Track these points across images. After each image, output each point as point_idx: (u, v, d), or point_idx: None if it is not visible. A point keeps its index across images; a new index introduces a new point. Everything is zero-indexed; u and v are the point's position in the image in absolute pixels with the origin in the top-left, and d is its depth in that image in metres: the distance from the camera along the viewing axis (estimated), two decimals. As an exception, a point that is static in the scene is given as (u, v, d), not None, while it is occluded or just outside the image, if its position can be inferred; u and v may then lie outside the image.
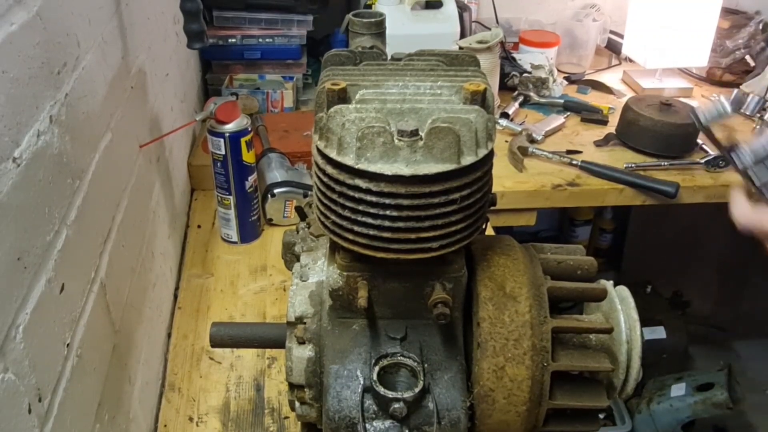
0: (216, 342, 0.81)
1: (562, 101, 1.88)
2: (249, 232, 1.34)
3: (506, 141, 1.68)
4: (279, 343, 0.76)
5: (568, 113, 1.84)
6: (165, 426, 0.98)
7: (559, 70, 2.04)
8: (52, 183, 0.64)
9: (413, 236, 0.60)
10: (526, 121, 1.80)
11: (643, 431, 2.03)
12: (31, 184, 0.60)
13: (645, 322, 0.70)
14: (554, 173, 1.58)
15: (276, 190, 1.36)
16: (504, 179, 1.54)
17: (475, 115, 0.59)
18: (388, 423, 0.64)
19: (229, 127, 1.23)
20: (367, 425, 0.64)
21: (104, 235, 0.81)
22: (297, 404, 0.74)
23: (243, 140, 1.25)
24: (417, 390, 0.64)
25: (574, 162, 1.59)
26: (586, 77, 2.07)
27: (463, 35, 1.86)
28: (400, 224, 0.60)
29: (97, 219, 0.79)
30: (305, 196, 1.33)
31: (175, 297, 1.23)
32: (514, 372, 0.65)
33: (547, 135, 1.73)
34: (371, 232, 0.60)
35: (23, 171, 0.58)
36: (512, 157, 1.61)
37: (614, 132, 1.72)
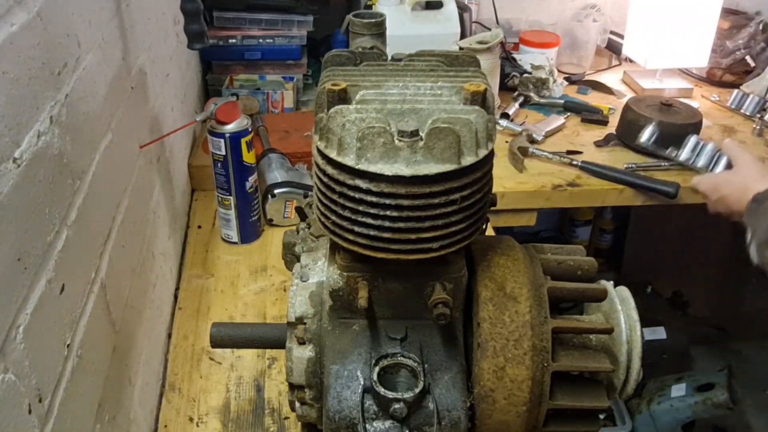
0: (216, 342, 0.81)
1: (562, 102, 1.88)
2: (249, 232, 1.34)
3: (506, 141, 1.68)
4: (279, 344, 0.76)
5: (569, 114, 1.84)
6: (165, 426, 0.98)
7: (559, 71, 2.04)
8: (52, 183, 0.64)
9: (413, 236, 0.60)
10: (527, 122, 1.80)
11: (644, 431, 2.03)
12: (32, 184, 0.60)
13: (645, 322, 0.70)
14: (554, 174, 1.58)
15: (276, 191, 1.36)
16: (504, 180, 1.54)
17: (475, 116, 0.60)
18: (388, 423, 0.64)
19: (230, 127, 1.23)
20: (367, 425, 0.64)
21: (104, 236, 0.82)
22: (297, 405, 0.74)
23: (243, 141, 1.25)
24: (417, 390, 0.64)
25: (575, 162, 1.59)
26: (587, 78, 2.07)
27: (463, 36, 1.86)
28: (401, 224, 0.60)
29: (98, 219, 0.79)
30: (305, 196, 1.33)
31: (176, 297, 1.23)
32: (514, 372, 0.65)
33: (548, 135, 1.73)
34: (371, 232, 0.61)
35: (23, 171, 0.58)
36: (512, 157, 1.61)
37: (614, 132, 1.72)
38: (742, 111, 1.87)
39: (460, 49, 1.72)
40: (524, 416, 0.67)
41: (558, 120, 1.79)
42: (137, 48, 1.07)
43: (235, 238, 1.34)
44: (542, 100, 1.88)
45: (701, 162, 1.38)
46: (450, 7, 1.87)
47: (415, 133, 0.58)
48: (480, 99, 0.61)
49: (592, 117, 1.82)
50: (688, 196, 1.56)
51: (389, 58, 0.76)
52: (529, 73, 1.93)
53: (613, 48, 2.20)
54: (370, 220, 0.60)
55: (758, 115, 1.82)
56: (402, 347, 0.68)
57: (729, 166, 1.26)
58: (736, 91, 1.92)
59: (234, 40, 1.84)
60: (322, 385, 0.69)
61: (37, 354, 0.58)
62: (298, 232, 0.86)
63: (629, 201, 1.57)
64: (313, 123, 0.63)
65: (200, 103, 1.78)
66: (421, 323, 0.69)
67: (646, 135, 1.52)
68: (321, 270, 0.73)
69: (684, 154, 1.39)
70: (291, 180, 1.37)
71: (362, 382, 0.66)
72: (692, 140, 1.39)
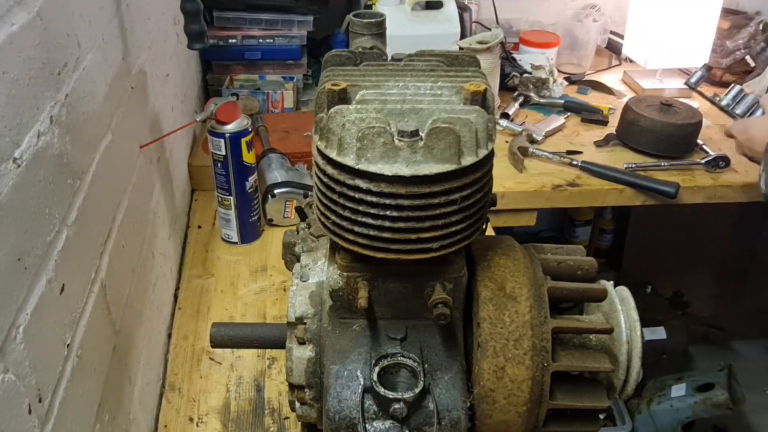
0: (216, 342, 0.81)
1: (562, 102, 1.88)
2: (249, 232, 1.34)
3: (506, 141, 1.68)
4: (279, 344, 0.76)
5: (569, 114, 1.84)
6: (165, 426, 0.98)
7: (559, 71, 2.04)
8: (52, 183, 0.65)
9: (413, 236, 0.60)
10: (527, 122, 1.80)
11: (644, 431, 2.03)
12: (32, 184, 0.60)
13: (645, 322, 0.70)
14: (554, 174, 1.58)
15: (276, 191, 1.36)
16: (504, 180, 1.54)
17: (475, 116, 0.60)
18: (388, 423, 0.64)
19: (230, 127, 1.23)
20: (367, 425, 0.64)
21: (104, 236, 0.82)
22: (297, 405, 0.74)
23: (243, 141, 1.25)
24: (417, 390, 0.64)
25: (575, 162, 1.59)
26: (587, 78, 2.07)
27: (463, 36, 1.86)
28: (401, 224, 0.60)
29: (98, 219, 0.79)
30: (305, 196, 1.33)
31: (176, 297, 1.23)
32: (514, 372, 0.65)
33: (548, 135, 1.73)
34: (371, 232, 0.61)
35: (23, 171, 0.58)
36: (512, 157, 1.61)
37: (614, 132, 1.72)
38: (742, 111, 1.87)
39: (460, 49, 1.72)
40: (524, 416, 0.67)
41: (558, 120, 1.79)
42: (137, 48, 1.07)
43: (235, 238, 1.34)
44: (542, 100, 1.88)
45: (740, 110, 1.56)
46: (450, 7, 1.87)
47: (415, 133, 0.58)
48: (480, 99, 0.61)
49: (592, 117, 1.82)
50: (688, 196, 1.56)
51: (389, 58, 0.76)
52: (529, 73, 1.93)
53: (613, 48, 2.20)
54: (370, 220, 0.60)
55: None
56: (402, 347, 0.68)
57: None
58: (736, 87, 1.92)
59: (234, 40, 1.84)
60: (322, 385, 0.69)
61: (37, 354, 0.58)
62: (298, 232, 0.86)
63: (629, 201, 1.57)
64: (313, 123, 0.63)
65: (200, 103, 1.78)
66: (421, 323, 0.69)
67: (696, 76, 1.67)
68: (321, 270, 0.73)
69: (726, 100, 1.57)
70: (291, 180, 1.37)
71: (362, 382, 0.66)
72: (735, 89, 1.54)
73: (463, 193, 0.60)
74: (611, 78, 2.09)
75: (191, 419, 0.98)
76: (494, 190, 0.68)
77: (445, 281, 0.66)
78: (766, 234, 2.31)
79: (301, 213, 0.90)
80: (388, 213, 0.59)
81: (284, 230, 0.91)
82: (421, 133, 0.58)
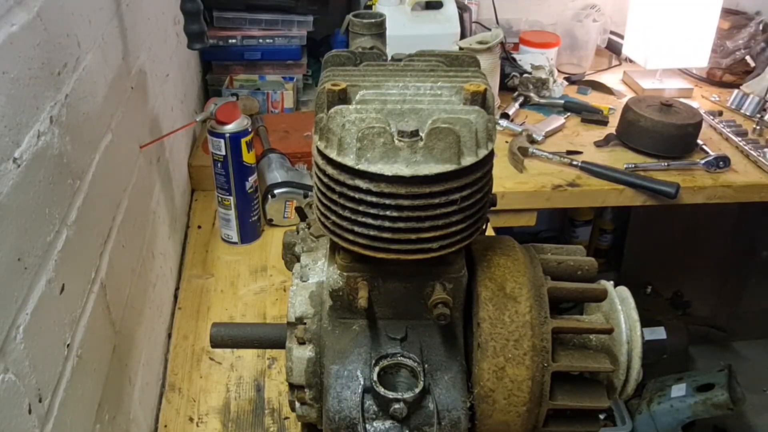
0: (216, 342, 0.81)
1: (562, 102, 1.88)
2: (249, 232, 1.34)
3: (506, 141, 1.68)
4: (279, 344, 0.76)
5: (569, 114, 1.84)
6: (165, 426, 0.98)
7: (559, 71, 2.04)
8: (52, 183, 0.65)
9: (413, 237, 0.60)
10: (527, 122, 1.80)
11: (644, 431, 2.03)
12: (32, 184, 0.60)
13: (645, 322, 0.70)
14: (554, 174, 1.58)
15: (276, 191, 1.36)
16: (504, 180, 1.54)
17: (475, 116, 0.59)
18: (388, 423, 0.64)
19: (230, 127, 1.23)
20: (367, 426, 0.64)
21: (104, 236, 0.82)
22: (297, 405, 0.74)
23: (243, 141, 1.25)
24: (417, 390, 0.64)
25: (575, 162, 1.59)
26: (587, 78, 2.07)
27: (463, 36, 1.86)
28: (401, 225, 0.60)
29: (98, 219, 0.79)
30: (305, 196, 1.33)
31: (176, 297, 1.23)
32: (514, 372, 0.65)
33: (548, 135, 1.73)
34: (371, 232, 0.61)
35: (24, 171, 0.58)
36: (512, 157, 1.61)
37: (614, 132, 1.72)
38: (742, 111, 1.88)
39: (460, 49, 1.72)
40: (524, 416, 0.67)
41: (558, 120, 1.79)
42: (137, 48, 1.07)
43: (235, 238, 1.34)
44: (542, 100, 1.88)
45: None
46: (450, 7, 1.87)
47: (415, 133, 0.58)
48: (480, 99, 0.61)
49: (592, 117, 1.82)
50: (688, 197, 1.56)
51: (389, 58, 0.76)
52: (529, 73, 1.93)
53: (613, 48, 2.20)
54: (370, 220, 0.60)
55: (758, 115, 1.82)
56: (402, 347, 0.68)
57: None
58: (736, 91, 1.92)
59: (234, 40, 1.84)
60: (322, 385, 0.69)
61: (37, 354, 0.58)
62: (298, 232, 0.86)
63: (629, 201, 1.57)
64: (313, 123, 0.63)
65: (200, 103, 1.78)
66: (421, 323, 0.69)
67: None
68: (321, 270, 0.73)
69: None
70: (291, 180, 1.37)
71: (362, 382, 0.66)
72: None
73: (463, 193, 0.60)
74: (611, 78, 2.09)
75: (191, 419, 0.98)
76: (494, 190, 0.68)
77: (445, 281, 0.66)
78: (766, 234, 2.31)
79: (301, 213, 0.90)
80: (388, 213, 0.59)
81: (284, 230, 0.91)
82: (421, 133, 0.58)
